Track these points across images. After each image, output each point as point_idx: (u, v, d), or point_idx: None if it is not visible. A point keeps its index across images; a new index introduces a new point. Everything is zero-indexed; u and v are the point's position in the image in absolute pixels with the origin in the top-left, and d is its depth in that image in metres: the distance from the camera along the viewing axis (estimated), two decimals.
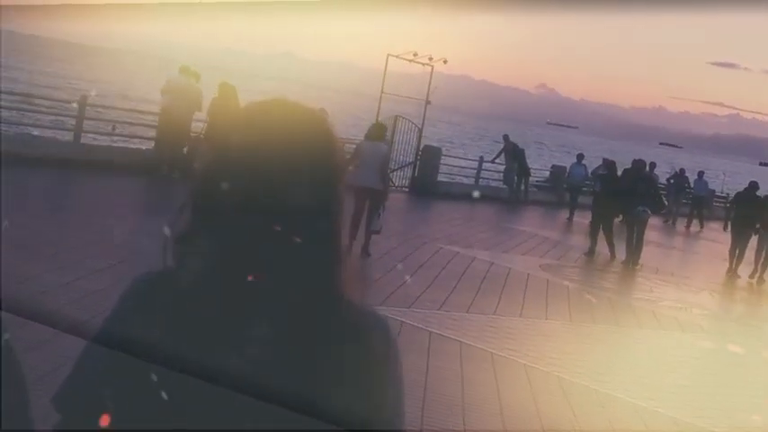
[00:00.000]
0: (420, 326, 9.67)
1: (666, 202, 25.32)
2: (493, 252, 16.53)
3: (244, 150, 1.51)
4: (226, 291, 1.50)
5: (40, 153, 16.11)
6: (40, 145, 17.64)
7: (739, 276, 19.35)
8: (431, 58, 25.34)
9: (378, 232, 13.16)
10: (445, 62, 25.56)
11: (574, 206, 25.64)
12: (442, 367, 8.34)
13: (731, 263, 19.52)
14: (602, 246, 18.40)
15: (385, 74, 24.58)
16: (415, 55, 25.03)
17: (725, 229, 20.33)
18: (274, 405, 1.46)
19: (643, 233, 18.21)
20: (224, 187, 1.49)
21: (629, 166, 25.12)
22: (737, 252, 19.43)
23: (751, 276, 19.22)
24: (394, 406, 1.59)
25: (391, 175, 17.61)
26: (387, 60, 24.54)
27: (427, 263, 13.92)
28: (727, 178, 55.51)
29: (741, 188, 46.19)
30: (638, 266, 17.76)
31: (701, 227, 31.59)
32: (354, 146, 13.69)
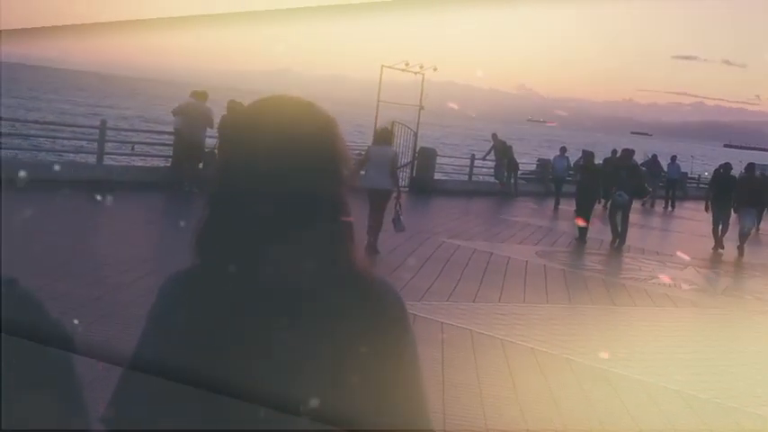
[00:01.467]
0: (431, 317, 9.34)
1: (650, 189, 25.13)
2: (491, 243, 16.22)
3: (251, 146, 1.47)
4: (246, 277, 1.46)
5: (65, 176, 15.77)
6: (66, 169, 17.29)
7: (724, 249, 19.18)
8: (421, 67, 25.04)
9: (401, 230, 13.08)
10: (435, 69, 25.25)
11: (559, 195, 25.39)
12: (456, 356, 8.00)
13: (716, 239, 19.28)
14: (592, 231, 18.12)
15: (380, 83, 24.29)
16: (407, 64, 24.72)
17: (706, 210, 20.05)
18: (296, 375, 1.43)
19: (627, 216, 17.89)
20: (236, 182, 1.46)
21: (609, 155, 24.87)
22: (721, 228, 19.23)
23: (739, 250, 19.02)
24: (411, 363, 1.55)
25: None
26: (381, 71, 24.22)
27: (432, 256, 13.60)
28: (696, 161, 55.05)
29: (710, 169, 46.04)
30: (625, 247, 17.45)
31: (673, 207, 31.36)
32: (362, 152, 13.48)
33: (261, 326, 1.46)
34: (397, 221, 12.98)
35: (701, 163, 62.80)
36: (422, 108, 25.52)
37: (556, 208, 24.88)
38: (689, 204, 34.18)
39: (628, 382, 7.77)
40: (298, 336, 1.45)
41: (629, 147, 20.82)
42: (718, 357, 9.37)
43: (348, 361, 1.46)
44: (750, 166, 20.54)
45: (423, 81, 25.26)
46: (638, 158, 25.37)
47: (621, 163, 18.92)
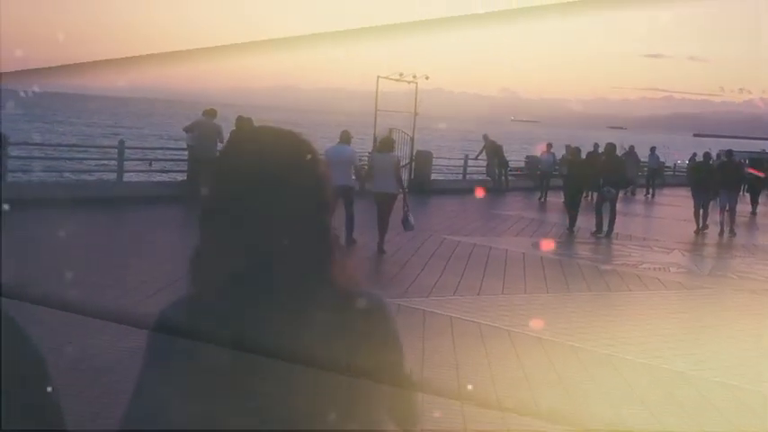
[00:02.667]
0: (439, 312, 9.07)
1: (633, 179, 24.89)
2: (489, 237, 15.94)
3: (234, 173, 1.44)
4: (234, 290, 1.41)
5: (89, 194, 15.50)
6: (89, 187, 17.04)
7: (706, 231, 19.11)
8: (414, 76, 24.76)
9: (410, 229, 12.94)
10: (427, 78, 24.98)
11: (546, 189, 25.09)
12: (466, 347, 7.73)
13: (697, 223, 19.22)
14: (580, 221, 17.85)
15: (377, 93, 24.03)
16: (401, 75, 24.45)
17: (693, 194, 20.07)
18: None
19: (615, 206, 17.63)
20: (222, 205, 1.44)
21: (591, 149, 24.53)
22: (702, 212, 19.16)
23: (720, 232, 19.09)
24: (395, 374, 1.50)
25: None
26: (377, 81, 23.95)
27: (436, 253, 13.33)
28: (668, 150, 54.65)
29: (685, 158, 45.67)
30: (614, 234, 17.16)
31: (654, 195, 31.04)
32: (365, 163, 13.31)
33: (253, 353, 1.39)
34: (406, 221, 12.86)
35: (673, 152, 62.47)
36: (417, 114, 25.28)
37: (543, 200, 24.60)
38: (667, 191, 33.94)
39: (632, 366, 7.49)
40: (290, 359, 1.40)
41: (609, 141, 20.57)
42: (713, 337, 9.08)
43: (338, 379, 1.41)
44: (729, 153, 20.49)
45: (416, 89, 25.03)
46: (617, 151, 25.26)
47: (606, 157, 18.61)
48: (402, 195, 13.00)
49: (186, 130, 18.34)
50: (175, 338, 1.45)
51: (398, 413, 1.53)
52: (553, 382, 6.91)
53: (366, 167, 13.15)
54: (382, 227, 12.69)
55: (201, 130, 17.57)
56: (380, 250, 12.61)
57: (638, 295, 11.13)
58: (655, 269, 13.41)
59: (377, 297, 1.51)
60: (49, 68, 1.26)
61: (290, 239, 1.41)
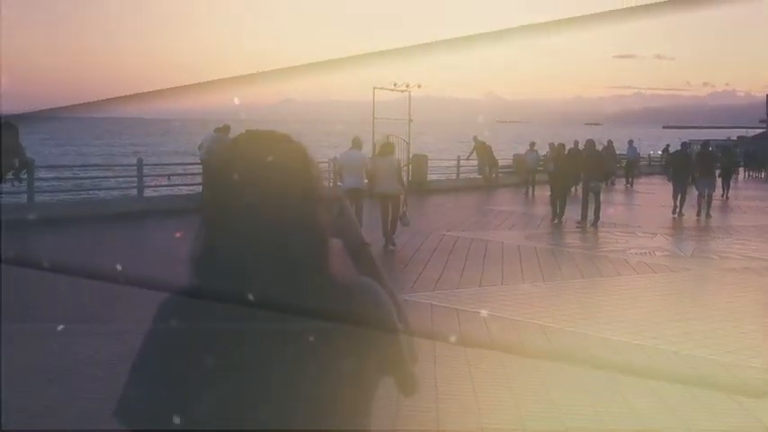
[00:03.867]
0: (445, 305, 8.84)
1: (615, 172, 24.68)
2: (486, 231, 15.71)
3: (232, 176, 1.40)
4: (238, 294, 1.36)
5: (111, 210, 15.27)
6: (110, 204, 16.79)
7: (684, 215, 19.05)
8: (408, 85, 24.50)
9: (407, 225, 13.09)
10: (420, 87, 24.74)
11: (533, 184, 24.85)
12: (473, 336, 7.50)
13: (675, 205, 19.38)
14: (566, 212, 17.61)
15: (374, 103, 23.78)
16: (395, 84, 24.19)
17: (669, 181, 20.28)
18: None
19: (599, 198, 17.37)
20: (222, 208, 1.41)
21: (572, 145, 24.26)
22: (680, 197, 19.29)
23: (698, 214, 19.15)
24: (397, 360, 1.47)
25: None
26: (374, 92, 23.70)
27: (437, 249, 13.10)
28: (642, 142, 54.12)
29: (657, 149, 45.46)
30: (600, 223, 16.91)
31: (632, 184, 30.80)
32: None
33: (255, 344, 1.37)
34: (404, 218, 12.93)
35: (645, 144, 62.15)
36: (411, 120, 25.06)
37: (530, 195, 24.34)
38: (644, 180, 33.70)
39: (631, 348, 7.25)
40: (288, 350, 1.37)
41: (586, 137, 20.39)
42: (702, 316, 8.82)
43: (337, 371, 1.39)
44: (705, 143, 20.57)
45: (410, 97, 24.80)
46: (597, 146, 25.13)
47: (588, 152, 18.36)
48: (403, 194, 13.00)
49: (200, 147, 18.19)
50: (176, 331, 1.40)
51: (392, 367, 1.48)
52: (556, 365, 6.69)
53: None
54: (392, 223, 12.82)
55: (215, 145, 17.33)
56: (391, 243, 12.77)
57: (628, 279, 10.88)
58: (641, 254, 13.17)
59: (367, 283, 1.49)
60: (69, 106, 1.26)
61: (284, 233, 1.38)
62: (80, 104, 1.26)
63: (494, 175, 27.46)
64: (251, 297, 1.35)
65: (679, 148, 20.41)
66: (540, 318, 8.32)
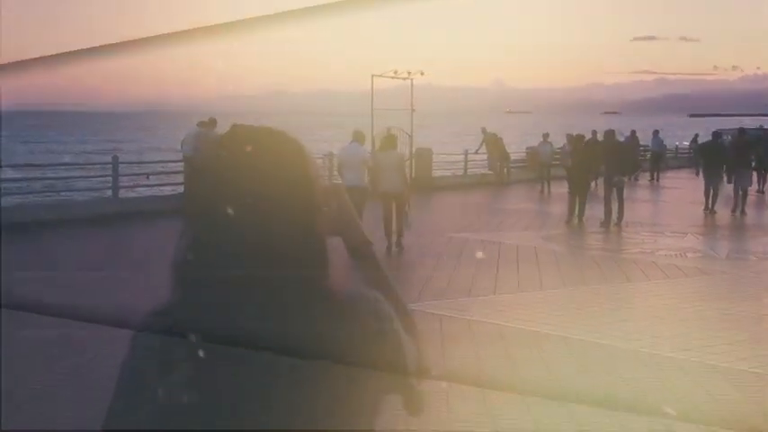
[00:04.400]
0: (456, 315, 8.72)
1: (640, 165, 24.58)
2: (498, 233, 15.60)
3: (221, 173, 1.39)
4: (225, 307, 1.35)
5: (83, 214, 15.12)
6: (83, 206, 16.65)
7: (716, 212, 18.96)
8: (409, 72, 24.39)
9: (407, 228, 12.98)
10: (422, 74, 24.62)
11: (548, 180, 24.71)
12: (491, 354, 7.37)
13: (707, 202, 19.24)
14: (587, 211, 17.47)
15: (372, 93, 23.67)
16: (396, 72, 24.08)
17: (697, 174, 20.12)
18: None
19: (623, 195, 17.19)
20: (209, 211, 1.38)
21: (590, 136, 24.11)
22: (712, 192, 19.17)
23: (733, 211, 19.08)
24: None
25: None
26: (372, 80, 23.58)
27: (445, 253, 12.99)
28: (665, 132, 54.07)
29: (683, 139, 45.56)
30: (624, 223, 16.75)
31: (658, 179, 30.59)
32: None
33: (244, 358, 1.34)
34: (404, 218, 12.85)
35: (670, 135, 61.98)
36: (414, 111, 24.94)
37: (544, 192, 24.20)
38: (671, 174, 33.55)
39: (663, 362, 7.12)
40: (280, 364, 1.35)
41: (604, 127, 20.29)
42: (743, 324, 8.69)
43: (335, 383, 1.37)
44: (741, 131, 20.42)
45: (412, 85, 24.68)
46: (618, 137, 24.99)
47: (608, 144, 18.19)
48: (407, 193, 12.96)
49: (184, 143, 18.13)
50: (161, 339, 1.39)
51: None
52: (584, 384, 6.56)
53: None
54: (398, 224, 12.81)
55: (199, 141, 17.20)
56: (399, 246, 12.78)
57: (658, 284, 10.75)
58: (671, 255, 13.05)
59: (367, 295, 1.47)
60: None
61: (278, 240, 1.36)
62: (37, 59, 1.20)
63: (505, 170, 27.34)
64: (239, 329, 1.33)
65: (709, 138, 20.31)
66: (562, 328, 8.21)
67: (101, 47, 1.23)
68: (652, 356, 7.26)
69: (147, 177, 20.80)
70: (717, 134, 20.28)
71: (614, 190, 17.11)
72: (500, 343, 7.72)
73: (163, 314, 1.41)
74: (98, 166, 23.08)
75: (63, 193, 20.23)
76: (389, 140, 13.51)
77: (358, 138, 13.25)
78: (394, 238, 12.80)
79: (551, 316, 8.82)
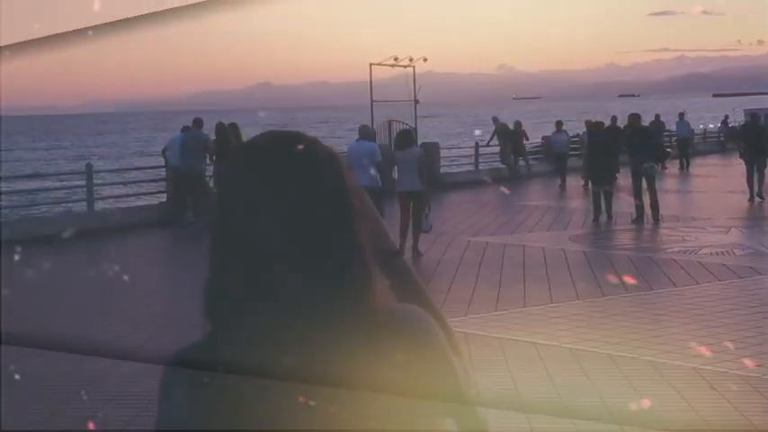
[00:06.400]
0: (483, 333, 8.35)
1: (670, 150, 24.19)
2: (519, 234, 15.26)
3: (256, 187, 1.37)
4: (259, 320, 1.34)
5: (52, 230, 14.68)
6: (52, 222, 16.21)
7: (763, 199, 18.66)
8: (411, 60, 24.04)
9: (428, 231, 12.93)
10: (425, 60, 24.28)
11: (564, 172, 24.35)
12: (530, 379, 7.00)
13: (752, 191, 19.01)
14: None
15: (371, 83, 23.34)
16: (396, 59, 23.73)
17: (740, 156, 19.87)
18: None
19: (655, 186, 16.70)
20: (239, 227, 1.37)
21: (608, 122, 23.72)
22: (757, 177, 19.00)
23: None
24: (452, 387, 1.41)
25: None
26: (370, 69, 23.24)
27: (464, 259, 12.64)
28: (690, 115, 53.70)
29: (708, 122, 45.39)
30: (659, 218, 16.32)
31: (689, 166, 30.17)
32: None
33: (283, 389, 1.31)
34: (423, 221, 12.73)
35: (694, 117, 61.61)
36: (417, 102, 24.64)
37: (562, 186, 23.82)
38: (699, 161, 33.17)
39: (730, 382, 6.74)
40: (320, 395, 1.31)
41: (622, 111, 19.95)
42: None
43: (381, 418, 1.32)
44: None
45: (414, 74, 24.35)
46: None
47: (633, 129, 17.69)
48: (426, 193, 12.93)
49: (164, 151, 17.90)
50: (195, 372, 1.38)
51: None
52: (641, 410, 6.18)
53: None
54: (415, 227, 12.72)
55: (186, 147, 16.87)
56: (417, 252, 12.62)
57: (709, 289, 10.33)
58: (717, 254, 12.68)
59: (418, 315, 1.42)
60: None
61: (316, 255, 1.35)
62: None
63: (523, 163, 26.96)
64: (280, 362, 1.31)
65: (742, 119, 20.13)
66: (606, 345, 7.83)
67: (60, 34, 1.17)
68: (715, 376, 6.87)
69: (125, 185, 20.53)
70: (755, 115, 20.04)
71: (644, 180, 16.65)
72: (538, 365, 7.35)
73: (197, 349, 1.39)
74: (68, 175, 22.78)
75: (31, 208, 19.90)
76: (405, 137, 13.51)
77: (365, 133, 13.34)
78: (410, 242, 12.61)
79: (592, 330, 8.44)
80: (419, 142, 24.39)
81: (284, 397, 1.32)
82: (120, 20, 1.18)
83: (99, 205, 17.84)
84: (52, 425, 6.18)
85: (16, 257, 12.35)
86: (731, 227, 15.57)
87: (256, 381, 1.33)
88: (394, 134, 23.08)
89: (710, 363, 7.20)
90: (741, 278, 10.98)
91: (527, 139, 27.83)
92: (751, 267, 11.72)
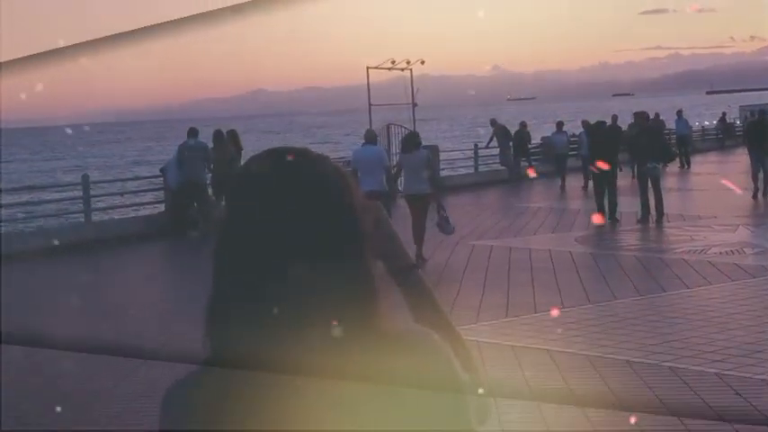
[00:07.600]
0: (495, 341, 8.11)
1: (676, 152, 23.96)
2: (524, 237, 15.03)
3: (261, 206, 1.34)
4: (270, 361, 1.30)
5: (50, 243, 14.40)
6: (50, 234, 15.94)
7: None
8: (408, 62, 23.79)
9: (451, 233, 12.71)
10: (423, 63, 24.04)
11: (563, 173, 24.12)
12: (541, 384, 6.76)
13: (756, 186, 18.81)
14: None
15: (369, 86, 23.09)
16: (394, 62, 23.48)
17: (748, 152, 19.73)
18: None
19: (659, 185, 16.48)
20: (243, 246, 1.34)
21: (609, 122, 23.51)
22: (762, 173, 18.78)
23: None
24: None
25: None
26: (367, 72, 22.99)
27: (469, 264, 12.41)
28: (686, 113, 53.37)
29: (704, 119, 45.20)
30: (665, 218, 16.08)
31: (689, 165, 29.94)
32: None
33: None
34: (445, 224, 12.44)
35: (692, 114, 61.47)
36: (416, 105, 24.41)
37: (562, 188, 23.56)
38: (698, 158, 32.92)
39: (752, 385, 6.50)
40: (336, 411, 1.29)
41: (617, 110, 19.70)
42: None
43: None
44: None
45: (412, 77, 24.13)
46: (627, 120, 24.48)
47: (638, 128, 17.47)
48: (436, 196, 12.78)
49: (165, 171, 17.60)
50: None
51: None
52: (661, 419, 5.93)
53: (395, 169, 13.41)
54: (419, 233, 12.52)
55: (183, 155, 16.64)
56: (421, 259, 12.25)
57: (723, 290, 10.08)
58: (727, 253, 12.43)
59: (428, 338, 1.38)
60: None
61: (322, 279, 1.31)
62: None
63: (526, 164, 26.72)
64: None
65: (738, 116, 19.95)
66: (623, 351, 7.59)
67: (58, 49, 1.20)
68: (742, 381, 6.62)
69: (122, 195, 20.30)
70: (762, 111, 19.86)
71: (649, 180, 16.43)
72: (554, 372, 7.10)
73: (191, 383, 1.36)
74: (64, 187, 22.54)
75: (28, 220, 19.65)
76: (412, 140, 13.38)
77: (370, 138, 13.26)
78: (414, 248, 12.38)
79: (606, 335, 8.20)
80: None
81: (285, 424, 1.29)
82: (113, 34, 1.17)
83: (96, 216, 17.57)
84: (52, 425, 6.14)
85: (14, 269, 12.11)
86: (738, 225, 15.33)
87: (257, 407, 1.29)
88: (392, 138, 22.94)
89: (733, 368, 6.94)
90: (755, 278, 10.73)
91: (530, 142, 27.61)
92: (764, 266, 11.49)
